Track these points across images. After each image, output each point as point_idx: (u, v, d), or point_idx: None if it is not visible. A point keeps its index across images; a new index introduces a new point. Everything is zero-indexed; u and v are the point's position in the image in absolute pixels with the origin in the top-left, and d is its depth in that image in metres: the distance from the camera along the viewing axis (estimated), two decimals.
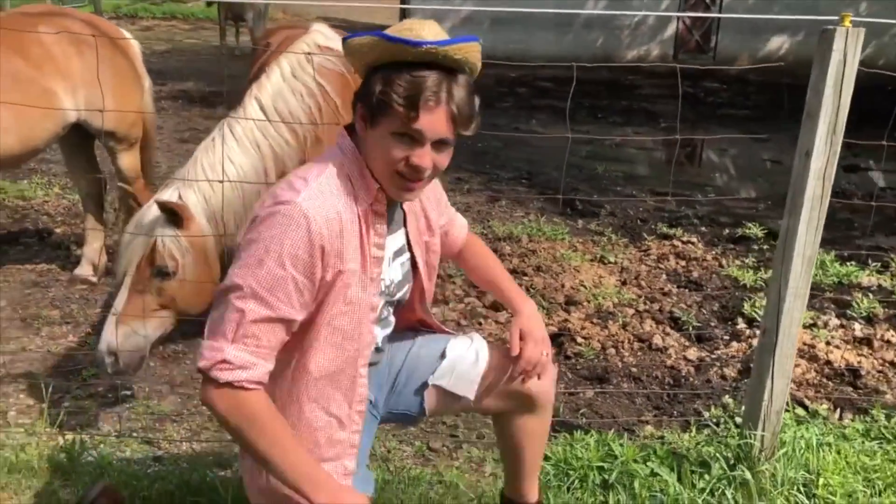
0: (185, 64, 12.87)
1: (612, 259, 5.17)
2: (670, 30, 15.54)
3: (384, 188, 1.76)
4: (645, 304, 4.47)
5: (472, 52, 1.67)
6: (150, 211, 2.94)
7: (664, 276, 4.92)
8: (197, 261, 2.98)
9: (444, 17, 15.62)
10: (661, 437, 3.05)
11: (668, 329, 4.13)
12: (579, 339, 3.94)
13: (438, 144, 1.68)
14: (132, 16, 19.46)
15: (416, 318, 2.17)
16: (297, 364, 1.78)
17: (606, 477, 2.71)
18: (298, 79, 3.26)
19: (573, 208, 6.30)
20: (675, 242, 5.49)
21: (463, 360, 2.08)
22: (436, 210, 2.07)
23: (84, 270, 4.53)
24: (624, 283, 4.81)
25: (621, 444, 2.82)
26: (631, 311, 4.33)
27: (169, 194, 2.99)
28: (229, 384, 1.64)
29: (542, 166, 7.84)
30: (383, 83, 1.64)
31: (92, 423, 3.16)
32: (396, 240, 1.93)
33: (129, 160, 4.27)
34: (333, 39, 3.51)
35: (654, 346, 3.92)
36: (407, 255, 1.99)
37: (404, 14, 16.39)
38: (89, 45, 3.82)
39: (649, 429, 3.19)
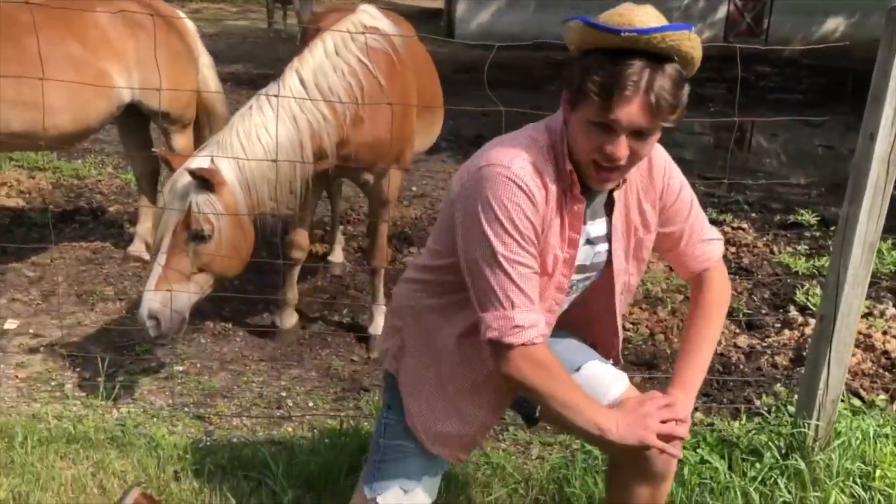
0: (234, 47, 13.01)
1: None
2: (721, 12, 15.21)
3: (580, 173, 1.74)
4: None
5: (680, 40, 1.59)
6: (183, 177, 2.97)
7: None
8: (231, 224, 3.01)
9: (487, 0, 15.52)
10: (711, 425, 3.01)
11: None
12: (627, 325, 3.90)
13: (636, 134, 1.63)
14: None
15: (594, 317, 2.06)
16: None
17: None
18: (341, 56, 3.25)
19: None
20: (725, 228, 5.39)
21: (594, 384, 1.91)
22: (657, 210, 1.91)
23: (137, 248, 4.61)
24: (671, 268, 4.73)
25: None
26: (680, 297, 4.28)
27: (200, 161, 3.02)
28: (523, 345, 1.70)
29: None
30: (583, 70, 1.62)
31: (145, 397, 3.23)
32: (595, 227, 1.87)
33: (183, 141, 4.32)
34: (380, 20, 3.49)
35: None
36: (604, 245, 1.89)
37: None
38: (144, 26, 3.87)
39: (699, 415, 3.15)
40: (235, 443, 2.85)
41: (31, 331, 3.73)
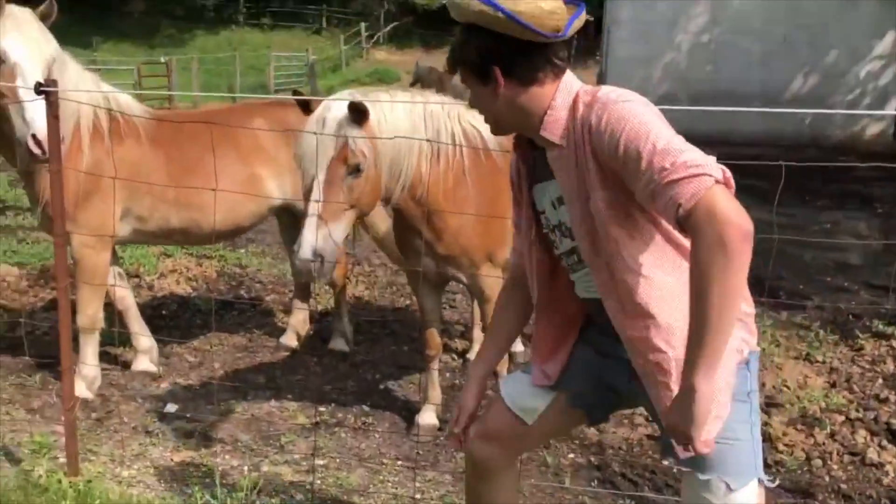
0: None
1: (819, 358, 4.79)
2: (890, 106, 14.50)
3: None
4: (857, 411, 4.08)
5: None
6: (333, 110, 2.97)
7: (880, 381, 4.48)
8: (375, 162, 3.04)
9: (641, 94, 15.56)
10: None
11: (884, 442, 3.73)
12: (780, 447, 3.65)
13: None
14: None
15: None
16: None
17: None
18: (461, 122, 3.42)
19: (776, 298, 5.94)
20: (894, 343, 5.00)
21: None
22: (604, 172, 1.78)
23: (289, 339, 4.84)
24: (833, 385, 4.43)
25: None
26: (841, 419, 3.97)
27: (349, 94, 3.09)
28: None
29: None
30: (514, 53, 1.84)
31: (286, 489, 3.33)
32: (553, 188, 1.96)
33: None
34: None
35: (868, 461, 3.55)
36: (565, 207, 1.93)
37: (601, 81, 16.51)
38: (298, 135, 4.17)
39: None
40: None
41: (188, 415, 3.96)
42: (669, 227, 1.77)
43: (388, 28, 32.95)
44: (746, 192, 1.70)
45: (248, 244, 7.14)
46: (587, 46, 30.48)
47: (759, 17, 15.35)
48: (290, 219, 4.64)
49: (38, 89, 2.85)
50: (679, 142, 1.67)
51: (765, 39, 15.34)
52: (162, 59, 19.76)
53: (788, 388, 4.30)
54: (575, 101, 1.83)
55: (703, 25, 15.70)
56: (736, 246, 1.56)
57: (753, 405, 1.89)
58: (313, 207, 2.86)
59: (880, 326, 5.30)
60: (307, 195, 2.94)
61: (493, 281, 3.55)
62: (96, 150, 3.80)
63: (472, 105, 1.96)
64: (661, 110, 1.82)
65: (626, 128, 1.69)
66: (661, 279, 1.80)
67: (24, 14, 3.43)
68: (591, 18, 2.02)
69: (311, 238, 2.83)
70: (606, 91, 1.80)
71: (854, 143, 15.23)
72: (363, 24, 31.68)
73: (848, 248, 7.67)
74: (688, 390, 1.65)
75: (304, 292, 4.88)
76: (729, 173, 1.66)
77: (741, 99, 14.51)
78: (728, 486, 1.84)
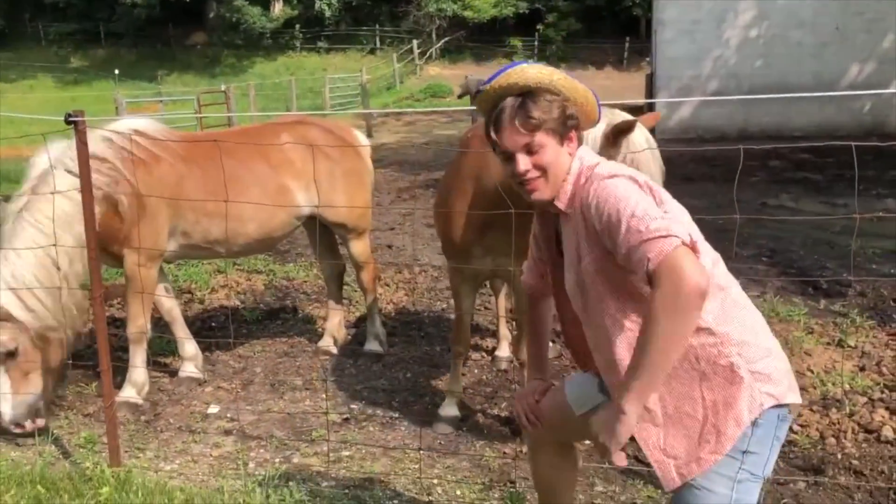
0: (441, 154, 13.91)
1: (851, 343, 4.78)
2: None
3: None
4: (882, 392, 4.08)
5: (512, 77, 2.04)
6: None
7: None
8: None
9: (690, 91, 15.45)
10: None
11: None
12: (795, 427, 3.70)
13: (528, 151, 2.04)
14: (398, 112, 21.43)
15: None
16: None
17: None
18: None
19: (817, 288, 5.91)
20: None
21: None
22: (593, 238, 2.00)
23: (326, 343, 5.09)
24: (862, 368, 4.42)
25: None
26: (863, 400, 3.98)
27: None
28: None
29: (788, 244, 7.42)
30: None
31: (313, 478, 3.54)
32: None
33: (359, 247, 4.82)
34: None
35: (882, 438, 3.57)
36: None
37: (651, 93, 16.45)
38: (322, 149, 4.43)
39: None
40: None
41: (228, 415, 4.23)
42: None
43: (440, 43, 33.37)
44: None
45: (297, 258, 7.44)
46: (638, 48, 30.50)
47: (808, 9, 15.11)
48: (319, 229, 4.91)
49: (68, 119, 3.14)
50: (655, 211, 1.89)
51: (816, 31, 15.09)
52: (221, 88, 20.50)
53: (812, 372, 4.32)
54: (579, 176, 2.07)
55: (750, 20, 15.53)
56: (689, 299, 1.77)
57: (746, 465, 1.92)
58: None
59: None
60: None
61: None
62: (138, 176, 4.10)
63: (544, 164, 2.05)
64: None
65: (609, 200, 1.93)
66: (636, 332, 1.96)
67: None
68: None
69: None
70: (602, 167, 2.04)
71: None
72: (415, 42, 32.19)
73: None
74: (617, 411, 1.89)
75: (336, 297, 5.12)
76: (695, 237, 1.89)
77: (794, 92, 14.27)
78: None
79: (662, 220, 1.84)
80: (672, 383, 1.94)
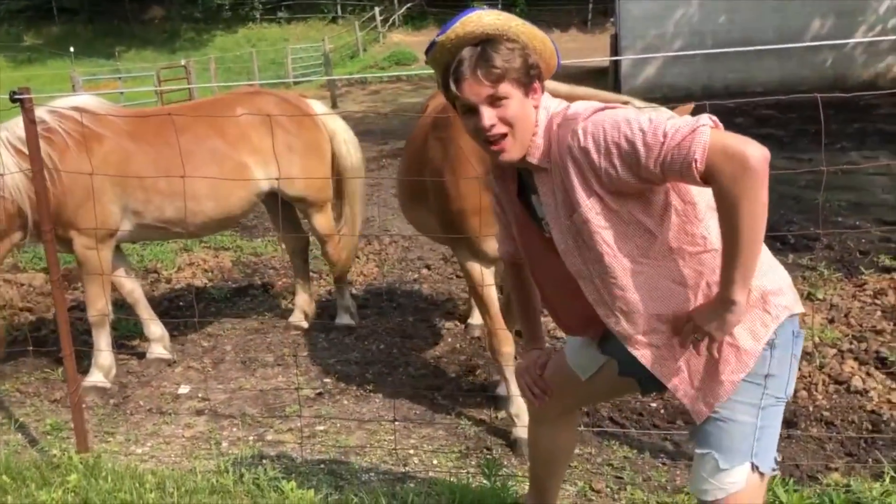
0: (407, 123, 13.76)
1: (820, 296, 4.82)
2: None
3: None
4: (850, 343, 4.12)
5: (468, 25, 1.89)
6: None
7: (879, 313, 4.50)
8: None
9: (655, 51, 15.43)
10: (847, 486, 2.82)
11: (871, 370, 3.78)
12: None
13: (492, 103, 1.89)
14: (362, 81, 21.17)
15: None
16: None
17: None
18: None
19: (784, 243, 5.94)
20: None
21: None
22: (588, 183, 1.88)
23: (296, 318, 5.02)
24: (831, 321, 4.46)
25: (786, 491, 2.64)
26: (832, 352, 4.01)
27: None
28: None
29: None
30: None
31: (288, 454, 3.50)
32: (540, 208, 2.04)
33: (321, 220, 4.73)
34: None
35: (852, 389, 3.61)
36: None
37: (615, 54, 16.40)
38: (279, 122, 4.31)
39: (835, 476, 2.95)
40: (356, 500, 3.03)
41: (199, 395, 4.17)
42: (654, 215, 1.86)
43: (402, 10, 32.95)
44: (764, 141, 1.78)
45: (265, 233, 7.34)
46: (602, 9, 30.35)
47: None
48: (276, 203, 4.81)
49: (13, 98, 3.03)
50: (657, 115, 1.78)
51: None
52: (182, 62, 20.08)
53: None
54: (549, 124, 1.93)
55: None
56: (758, 169, 1.67)
57: (770, 390, 1.88)
58: None
59: (887, 260, 5.30)
60: None
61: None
62: (80, 154, 3.94)
63: (509, 117, 1.91)
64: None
65: (607, 131, 1.80)
66: (647, 269, 1.88)
67: None
68: None
69: None
70: (573, 108, 1.91)
71: (879, 83, 14.94)
72: (377, 9, 31.74)
73: (863, 186, 7.59)
74: (726, 302, 1.77)
75: (303, 272, 5.05)
76: (715, 118, 1.77)
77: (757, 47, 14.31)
78: (717, 463, 1.89)
79: (672, 118, 1.77)
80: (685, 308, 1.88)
